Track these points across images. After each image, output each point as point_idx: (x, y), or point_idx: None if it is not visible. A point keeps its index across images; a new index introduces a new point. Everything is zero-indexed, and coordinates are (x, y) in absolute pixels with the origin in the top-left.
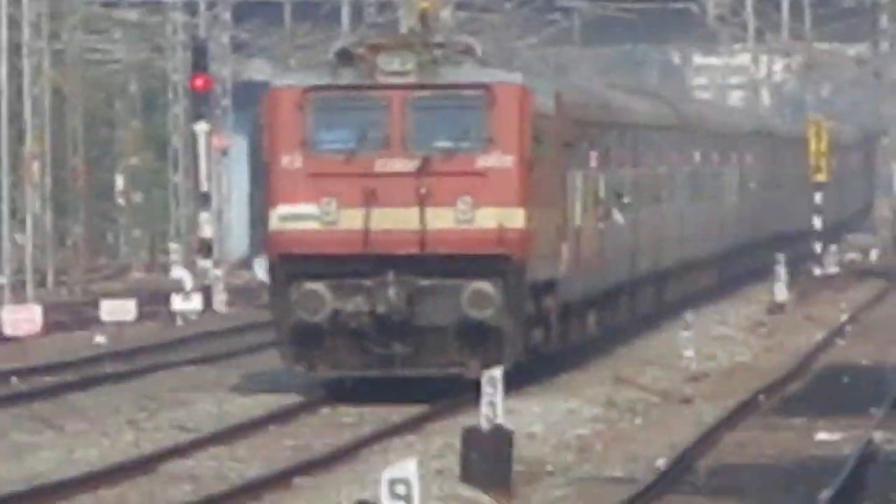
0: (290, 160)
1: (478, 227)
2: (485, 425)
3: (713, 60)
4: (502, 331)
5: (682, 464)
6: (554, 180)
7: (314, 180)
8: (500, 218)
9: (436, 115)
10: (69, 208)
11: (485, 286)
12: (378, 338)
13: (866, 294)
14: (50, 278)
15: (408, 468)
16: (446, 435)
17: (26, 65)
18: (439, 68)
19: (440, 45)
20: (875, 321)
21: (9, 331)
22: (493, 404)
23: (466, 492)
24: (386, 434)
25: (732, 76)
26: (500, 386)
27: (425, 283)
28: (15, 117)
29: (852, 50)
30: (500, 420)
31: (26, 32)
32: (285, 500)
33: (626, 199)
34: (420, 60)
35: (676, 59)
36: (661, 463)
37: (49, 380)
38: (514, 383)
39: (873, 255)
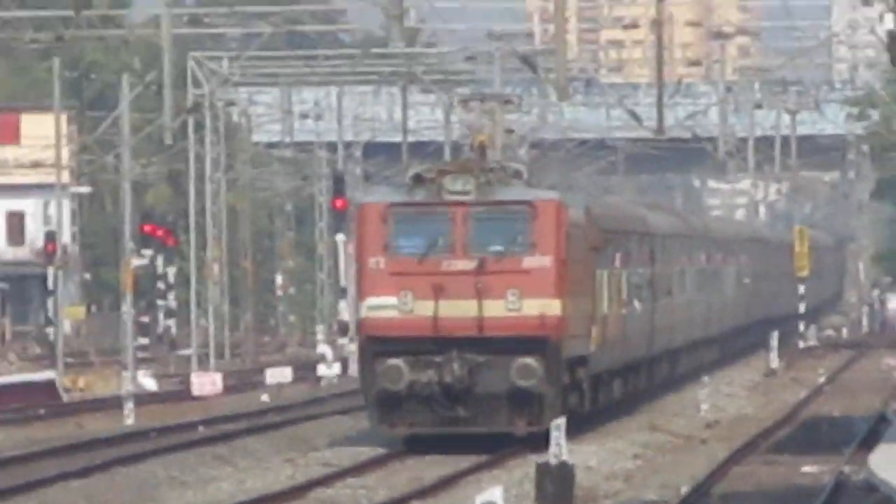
0: (376, 261)
1: (524, 314)
2: (553, 461)
3: (723, 185)
4: (544, 396)
5: (701, 490)
6: (585, 277)
7: (394, 278)
8: (541, 307)
9: (490, 226)
10: (241, 299)
11: (530, 361)
12: (445, 402)
13: (839, 361)
14: (227, 352)
15: (495, 493)
16: (522, 469)
17: (208, 190)
18: (493, 188)
19: (493, 170)
20: (846, 382)
21: (196, 392)
22: (560, 445)
23: None
24: (476, 469)
25: (738, 197)
26: (563, 431)
27: (482, 359)
28: (199, 230)
29: (827, 177)
30: (565, 457)
31: (208, 166)
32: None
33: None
34: (477, 182)
35: (696, 183)
36: (684, 489)
37: (226, 428)
38: (573, 431)
39: (844, 332)
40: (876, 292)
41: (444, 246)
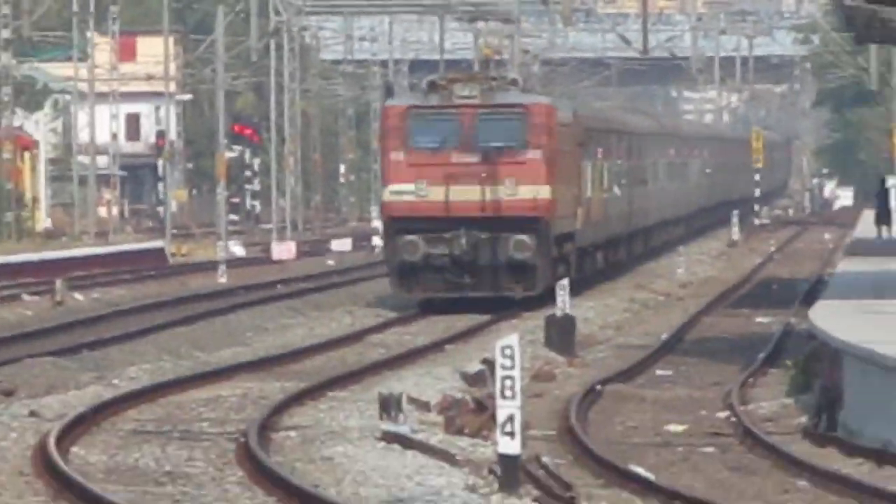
0: (397, 154)
1: (520, 198)
2: (559, 313)
3: (695, 95)
4: (536, 267)
5: (676, 336)
6: (572, 167)
7: (412, 168)
8: (534, 192)
9: (491, 124)
10: (311, 184)
11: (524, 237)
12: (454, 271)
13: (787, 235)
14: (300, 226)
15: (513, 338)
16: (535, 321)
17: (286, 98)
18: (494, 93)
19: (494, 79)
20: (792, 251)
21: (276, 257)
22: (564, 301)
23: (548, 354)
24: (496, 321)
25: (707, 104)
26: (567, 290)
27: (485, 235)
28: (279, 130)
29: (778, 88)
30: (568, 310)
31: (287, 79)
32: (442, 358)
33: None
34: (481, 88)
35: (674, 94)
36: (664, 336)
37: (299, 286)
38: (574, 289)
39: (790, 212)
40: (815, 181)
41: (453, 141)
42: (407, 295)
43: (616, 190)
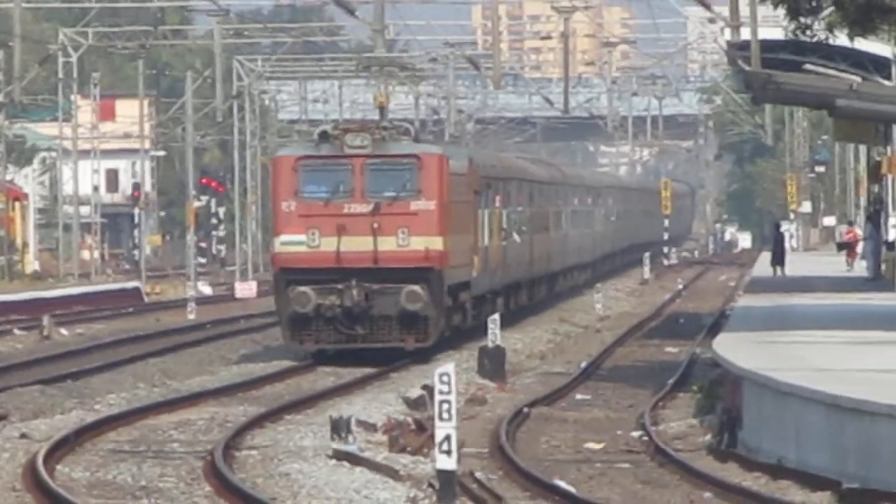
0: (288, 205)
1: (412, 249)
2: (490, 344)
3: (611, 149)
4: (429, 318)
5: (595, 364)
6: (467, 216)
7: (303, 219)
8: (426, 243)
9: (383, 175)
10: (270, 231)
11: (416, 288)
12: (346, 323)
13: (693, 274)
14: (261, 268)
15: (449, 367)
16: (470, 351)
17: (248, 153)
18: (386, 143)
19: (386, 128)
20: (698, 288)
21: (239, 295)
22: (495, 333)
23: (481, 380)
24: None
25: (621, 158)
26: (497, 324)
27: (377, 286)
28: (241, 181)
29: (684, 144)
30: (499, 342)
31: (248, 136)
32: (387, 384)
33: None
34: (373, 139)
35: (591, 148)
36: (583, 364)
37: (260, 321)
38: (505, 323)
39: (696, 253)
40: (718, 225)
41: (344, 192)
42: (299, 346)
43: (515, 237)
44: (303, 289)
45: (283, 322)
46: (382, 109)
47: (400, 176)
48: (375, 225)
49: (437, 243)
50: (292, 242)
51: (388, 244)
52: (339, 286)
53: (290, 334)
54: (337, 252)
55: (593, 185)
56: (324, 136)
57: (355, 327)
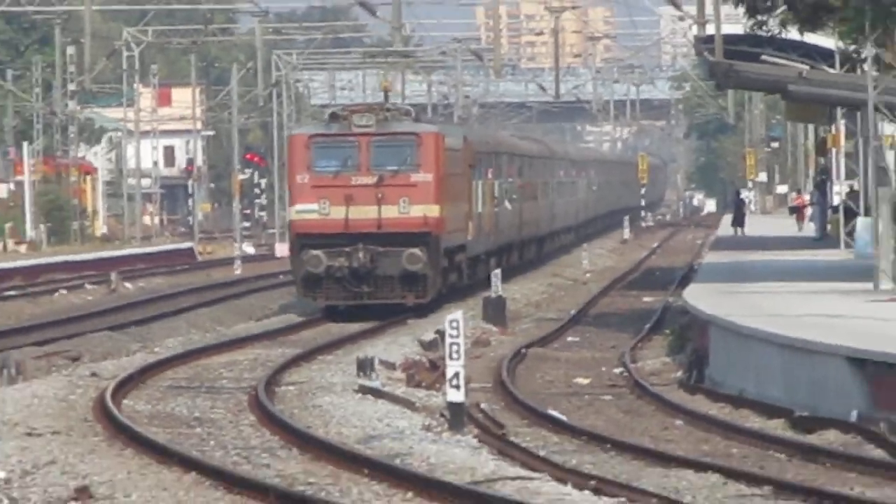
0: (302, 177)
1: (411, 216)
2: (493, 294)
3: (595, 129)
4: (427, 277)
5: (583, 311)
6: (462, 186)
7: (315, 189)
8: (424, 211)
9: (386, 150)
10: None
11: (416, 251)
12: (353, 282)
13: (666, 234)
14: None
15: (458, 314)
16: (475, 302)
17: (285, 133)
18: (389, 123)
19: (389, 110)
20: (670, 246)
21: (278, 254)
22: (497, 285)
23: (485, 325)
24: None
25: (604, 136)
26: (499, 277)
27: (381, 249)
28: (280, 156)
29: (658, 123)
30: (500, 292)
31: (285, 118)
32: (405, 330)
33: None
34: (377, 118)
35: (578, 129)
36: (573, 311)
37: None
38: (504, 277)
39: (668, 217)
40: (687, 193)
41: (352, 165)
42: (312, 302)
43: (507, 204)
44: (315, 252)
45: (297, 281)
46: (386, 93)
47: (401, 151)
48: (379, 195)
49: (434, 211)
50: (306, 211)
51: (390, 212)
52: (347, 249)
53: (303, 291)
54: (345, 219)
55: (577, 159)
56: (333, 116)
57: (361, 286)
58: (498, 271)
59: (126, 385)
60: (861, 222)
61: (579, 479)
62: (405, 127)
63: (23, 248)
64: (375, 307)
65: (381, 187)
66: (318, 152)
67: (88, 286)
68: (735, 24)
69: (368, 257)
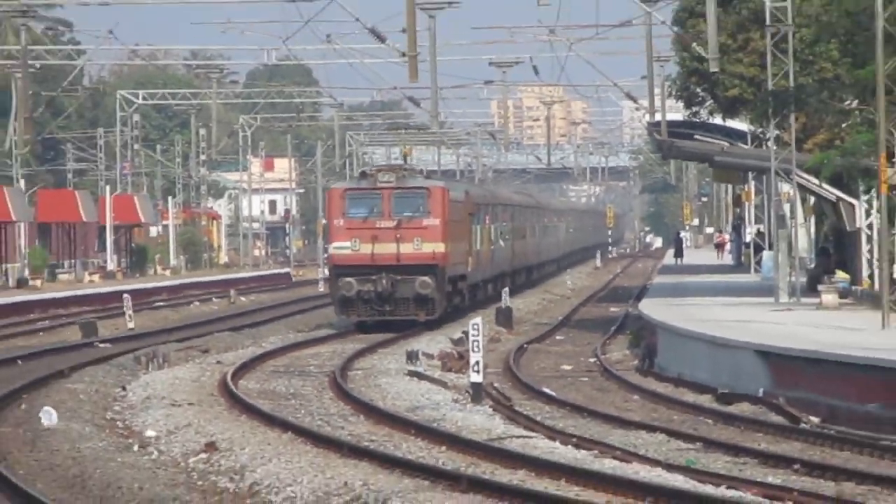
0: (338, 222)
1: (423, 251)
2: (503, 305)
3: (576, 188)
4: (434, 299)
5: (567, 318)
6: (464, 229)
7: (349, 231)
8: (433, 248)
9: (403, 201)
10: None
11: (426, 279)
12: (377, 302)
13: (626, 263)
14: None
15: (478, 319)
16: (489, 311)
17: None
18: (406, 179)
19: (407, 169)
20: (630, 272)
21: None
22: (506, 299)
23: (497, 328)
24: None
25: (582, 193)
26: (507, 293)
27: (399, 277)
28: None
29: (621, 184)
30: (508, 304)
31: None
32: (440, 332)
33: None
34: (397, 176)
35: (564, 187)
36: (560, 317)
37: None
38: (512, 292)
39: (627, 250)
40: (641, 233)
41: (377, 213)
42: (346, 318)
43: (501, 243)
44: (348, 279)
45: (334, 302)
46: (406, 157)
47: (415, 202)
48: (398, 235)
49: (440, 247)
50: (342, 247)
51: (407, 248)
52: (373, 277)
53: (339, 310)
54: (372, 254)
55: (559, 208)
56: (363, 174)
57: (384, 306)
58: (506, 289)
59: (241, 370)
60: (766, 254)
61: (564, 437)
62: (419, 182)
63: (168, 273)
64: (395, 322)
65: (400, 229)
66: (350, 202)
67: (214, 299)
68: (676, 112)
69: (390, 283)
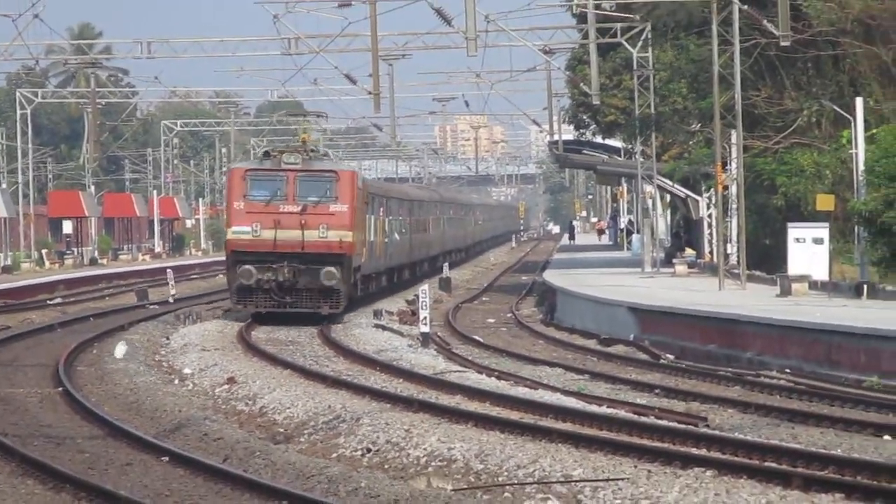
0: (238, 204)
1: (329, 240)
2: (444, 276)
3: (497, 189)
4: (340, 290)
5: (490, 284)
6: (362, 219)
7: (249, 215)
8: (340, 236)
9: (310, 184)
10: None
11: (332, 269)
12: (278, 293)
13: (533, 244)
14: None
15: (425, 286)
16: (433, 281)
17: None
18: (312, 162)
19: (312, 151)
20: (536, 250)
21: None
22: (445, 271)
23: (439, 292)
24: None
25: (502, 194)
26: (446, 268)
27: (303, 267)
28: None
29: (530, 186)
30: (448, 274)
31: None
32: (398, 295)
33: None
34: (303, 158)
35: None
36: (485, 284)
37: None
38: (428, 275)
39: (534, 235)
40: (544, 222)
41: (280, 196)
42: (243, 309)
43: (396, 236)
44: (247, 266)
45: (231, 290)
46: (304, 142)
47: (322, 186)
48: (303, 221)
49: (348, 236)
50: (241, 232)
51: (311, 235)
52: (275, 266)
53: (236, 299)
54: (274, 240)
55: (466, 203)
56: (266, 154)
57: (285, 297)
58: (447, 264)
59: (252, 324)
60: (635, 237)
61: (489, 371)
62: (326, 165)
63: (199, 253)
64: (296, 315)
65: (305, 215)
66: (252, 184)
67: None
68: (568, 134)
69: (292, 273)
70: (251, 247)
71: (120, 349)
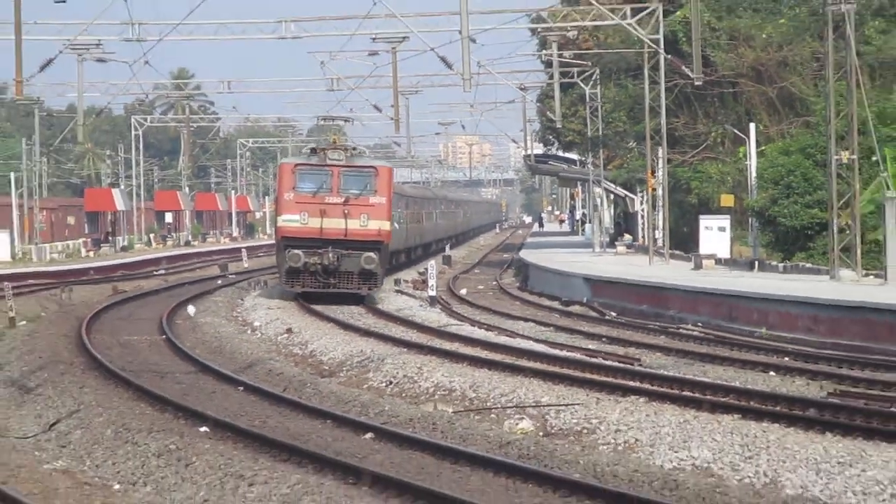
0: (288, 195)
1: (369, 228)
2: (446, 254)
3: (486, 190)
4: (377, 273)
5: (482, 260)
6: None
7: (298, 204)
8: (379, 225)
9: (352, 178)
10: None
11: (372, 254)
12: (323, 275)
13: (511, 232)
14: None
15: (432, 261)
16: (438, 258)
17: None
18: (353, 158)
19: (354, 149)
20: (515, 235)
21: None
22: (447, 250)
23: (442, 266)
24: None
25: (489, 194)
26: (448, 247)
27: (346, 252)
28: None
29: (509, 188)
30: (449, 252)
31: None
32: (413, 268)
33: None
34: (346, 154)
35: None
36: (477, 259)
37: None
38: (451, 247)
39: (514, 223)
40: (521, 215)
41: (326, 188)
42: (290, 289)
43: (396, 225)
44: (296, 251)
45: (281, 272)
46: (335, 142)
47: (363, 180)
48: (346, 211)
49: (385, 225)
50: (291, 220)
51: (354, 224)
52: (321, 251)
53: (285, 280)
54: (320, 228)
55: (454, 200)
56: (313, 151)
57: (330, 279)
58: (448, 245)
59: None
60: (587, 226)
61: (479, 324)
62: (366, 161)
63: (265, 237)
64: (339, 294)
65: (348, 206)
66: (301, 177)
67: None
68: (538, 149)
69: (336, 257)
70: (300, 233)
71: (191, 309)
